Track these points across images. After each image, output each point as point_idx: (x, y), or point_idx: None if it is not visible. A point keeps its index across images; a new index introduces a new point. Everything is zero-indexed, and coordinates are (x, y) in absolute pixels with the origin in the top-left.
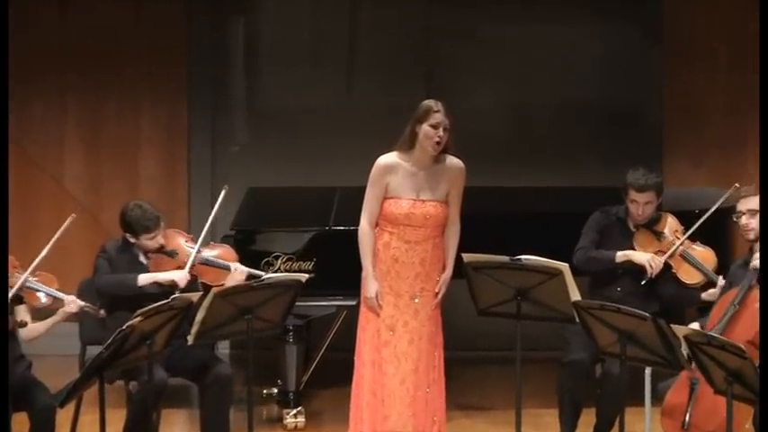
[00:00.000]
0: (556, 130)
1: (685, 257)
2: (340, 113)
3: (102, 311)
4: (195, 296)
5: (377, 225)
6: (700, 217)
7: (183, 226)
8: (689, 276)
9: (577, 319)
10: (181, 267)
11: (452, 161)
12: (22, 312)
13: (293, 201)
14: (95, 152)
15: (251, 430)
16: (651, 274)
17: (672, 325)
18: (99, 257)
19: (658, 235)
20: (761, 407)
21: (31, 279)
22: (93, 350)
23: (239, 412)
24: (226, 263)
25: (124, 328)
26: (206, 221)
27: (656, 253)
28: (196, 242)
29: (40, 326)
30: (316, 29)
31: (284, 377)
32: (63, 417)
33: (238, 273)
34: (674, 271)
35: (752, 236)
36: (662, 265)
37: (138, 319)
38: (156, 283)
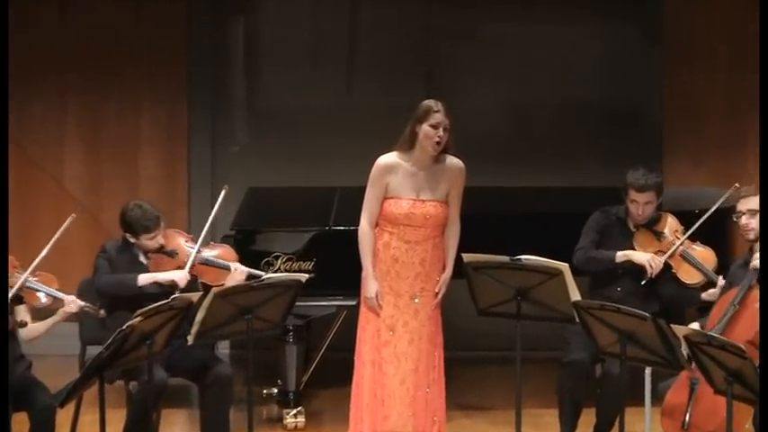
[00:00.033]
0: (556, 130)
1: (685, 257)
2: (340, 113)
3: (101, 311)
4: (195, 296)
5: (377, 225)
6: (700, 217)
7: (183, 226)
8: (689, 276)
9: (577, 320)
10: (181, 267)
11: (452, 161)
12: (22, 312)
13: (293, 201)
14: (95, 152)
15: (251, 430)
16: (651, 274)
17: (672, 325)
18: (99, 257)
19: (658, 235)
20: (761, 407)
21: (30, 279)
22: (94, 350)
23: (239, 412)
24: (226, 263)
25: (124, 328)
26: (206, 221)
27: (656, 253)
28: (196, 242)
29: (40, 326)
30: (316, 29)
31: (284, 377)
32: (63, 417)
33: (238, 273)
34: (673, 271)
35: (752, 236)
36: (662, 266)
37: (138, 319)
38: (156, 283)
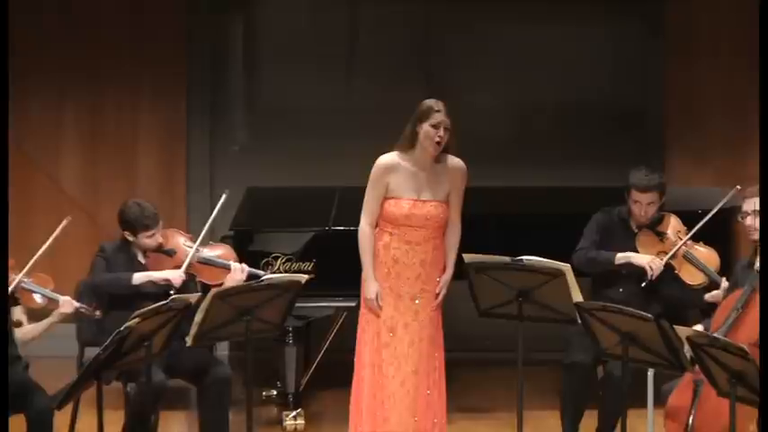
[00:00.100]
0: (557, 129)
1: (688, 258)
2: (340, 113)
3: (97, 312)
4: (194, 297)
5: (377, 226)
6: (703, 217)
7: (182, 226)
8: (691, 277)
9: (579, 321)
10: (179, 266)
11: (453, 161)
12: (17, 313)
13: (292, 201)
14: (93, 152)
15: None
16: (651, 276)
17: (674, 326)
18: (96, 256)
19: (661, 236)
20: (761, 407)
21: (25, 280)
22: (91, 352)
23: (238, 414)
24: (225, 262)
25: (122, 329)
26: (204, 222)
27: (658, 254)
28: (195, 242)
29: (36, 327)
30: (315, 28)
31: (284, 379)
32: (61, 419)
33: (238, 272)
34: (676, 272)
35: (757, 236)
36: (662, 267)
37: (136, 320)
38: (152, 282)
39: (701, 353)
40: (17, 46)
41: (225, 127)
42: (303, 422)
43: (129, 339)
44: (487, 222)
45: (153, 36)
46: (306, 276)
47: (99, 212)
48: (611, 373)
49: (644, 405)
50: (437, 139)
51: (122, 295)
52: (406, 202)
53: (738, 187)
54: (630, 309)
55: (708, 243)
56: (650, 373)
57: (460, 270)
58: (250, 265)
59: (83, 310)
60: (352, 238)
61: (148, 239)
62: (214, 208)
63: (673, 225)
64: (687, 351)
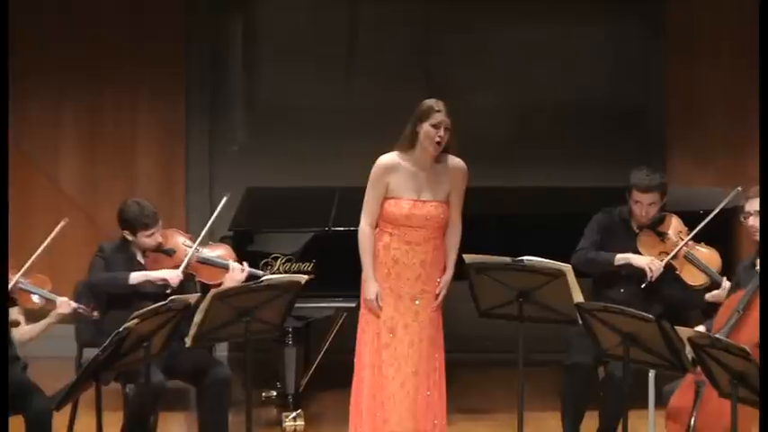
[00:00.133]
0: (557, 129)
1: (689, 259)
2: (340, 113)
3: (95, 313)
4: (193, 298)
5: (377, 226)
6: (704, 218)
7: (181, 226)
8: (693, 278)
9: (580, 321)
10: (178, 266)
11: (454, 161)
12: (14, 313)
13: (292, 201)
14: (92, 152)
15: None
16: (651, 277)
17: (676, 327)
18: (95, 256)
19: (662, 236)
20: (761, 408)
21: (22, 281)
22: (90, 352)
23: (238, 415)
24: (224, 261)
25: (121, 330)
26: (204, 222)
27: (659, 254)
28: (195, 242)
29: (34, 328)
30: (315, 28)
31: (283, 380)
32: (59, 420)
33: (237, 271)
34: (677, 272)
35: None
36: (662, 269)
37: (135, 321)
38: (149, 282)
39: (702, 354)
40: (17, 46)
41: (224, 127)
42: (303, 423)
43: (128, 340)
44: (487, 222)
45: (152, 36)
46: (305, 277)
47: (98, 213)
48: (612, 373)
49: (645, 406)
50: (437, 139)
51: (121, 295)
52: (406, 202)
53: (740, 188)
54: (631, 309)
55: (709, 243)
56: (651, 374)
57: (461, 270)
58: (249, 266)
59: (80, 311)
60: (352, 238)
61: (148, 239)
62: (213, 208)
63: (674, 225)
64: (688, 352)
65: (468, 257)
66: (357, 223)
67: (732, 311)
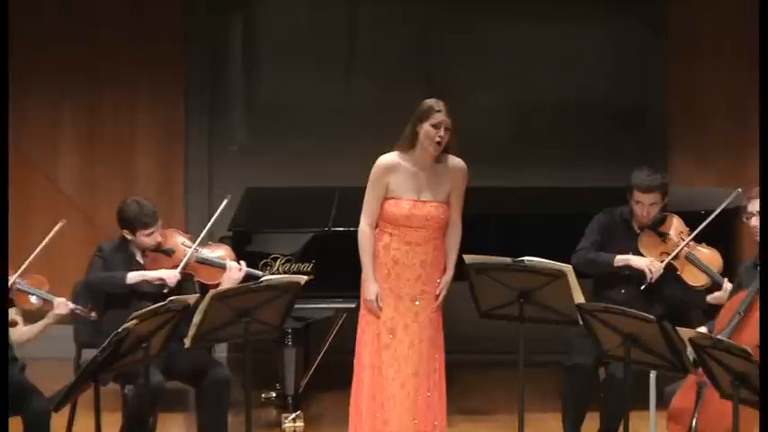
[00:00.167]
0: (558, 129)
1: (690, 259)
2: (339, 113)
3: (93, 314)
4: (192, 298)
5: (377, 226)
6: (705, 218)
7: (180, 227)
8: (694, 278)
9: (580, 322)
10: (177, 266)
11: (454, 161)
12: (12, 314)
13: (292, 201)
14: (91, 152)
15: None
16: (651, 279)
17: (677, 328)
18: (94, 256)
19: (663, 236)
20: (762, 409)
21: (20, 281)
22: (89, 353)
23: (237, 416)
24: (222, 261)
25: (120, 331)
26: (203, 222)
27: (660, 255)
28: (194, 242)
29: (32, 329)
30: (315, 28)
31: (283, 381)
32: (58, 421)
33: (235, 270)
34: (678, 273)
35: None
36: (662, 270)
37: (134, 321)
38: (147, 282)
39: (703, 355)
40: (16, 46)
41: (223, 127)
42: (302, 424)
43: (126, 341)
44: (487, 222)
45: (151, 36)
46: (305, 277)
47: (97, 213)
48: (613, 374)
49: (646, 407)
50: (438, 139)
51: (119, 295)
52: (406, 202)
53: (740, 190)
54: (633, 310)
55: (710, 244)
56: (652, 374)
57: (461, 271)
58: (249, 267)
59: (78, 312)
60: (352, 238)
61: (147, 238)
62: (213, 208)
63: (675, 226)
64: (690, 353)
65: (468, 258)
66: (357, 223)
67: (734, 312)
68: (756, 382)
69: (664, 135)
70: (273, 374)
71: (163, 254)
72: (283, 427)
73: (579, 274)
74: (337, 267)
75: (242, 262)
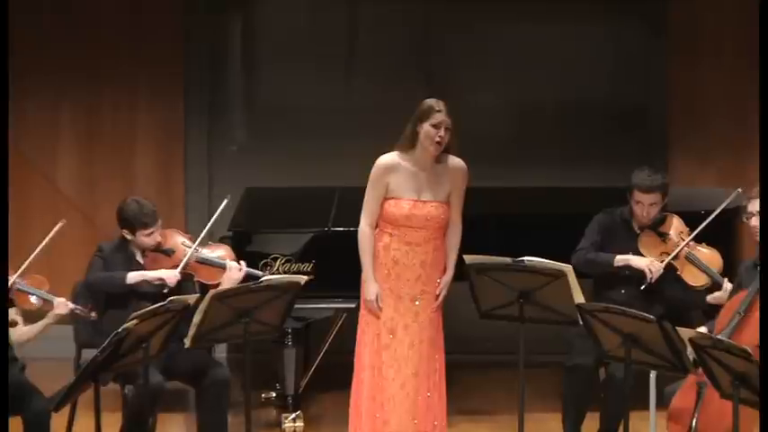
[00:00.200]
0: (558, 129)
1: (690, 259)
2: (339, 113)
3: (93, 314)
4: (192, 298)
5: (377, 226)
6: (705, 218)
7: (180, 227)
8: (694, 279)
9: (581, 322)
10: (177, 266)
11: (454, 161)
12: (12, 314)
13: (292, 201)
14: (90, 152)
15: None
16: (650, 279)
17: (677, 328)
18: (94, 256)
19: (663, 236)
20: (762, 409)
21: (19, 281)
22: (89, 353)
23: (237, 416)
24: (222, 261)
25: (120, 331)
26: (203, 222)
27: (660, 255)
28: (194, 242)
29: (32, 329)
30: (314, 28)
31: (283, 381)
32: (58, 421)
33: (235, 270)
34: (678, 273)
35: None
36: (662, 270)
37: (134, 321)
38: (146, 282)
39: (703, 355)
40: (16, 46)
41: (223, 127)
42: (302, 424)
43: (126, 341)
44: (487, 222)
45: (151, 36)
46: (305, 277)
47: (96, 213)
48: (613, 375)
49: (646, 407)
50: (438, 139)
51: (119, 295)
52: (407, 202)
53: (740, 190)
54: (633, 310)
55: (710, 244)
56: (653, 375)
57: (461, 271)
58: (249, 267)
59: (78, 312)
60: (352, 238)
61: (147, 238)
62: (212, 208)
63: (675, 226)
64: (690, 353)
65: (468, 258)
66: (357, 223)
67: (734, 312)
68: (756, 382)
69: (664, 135)
70: (273, 374)
71: (163, 254)
72: (283, 427)
73: (579, 275)
74: (337, 267)
75: (242, 262)
